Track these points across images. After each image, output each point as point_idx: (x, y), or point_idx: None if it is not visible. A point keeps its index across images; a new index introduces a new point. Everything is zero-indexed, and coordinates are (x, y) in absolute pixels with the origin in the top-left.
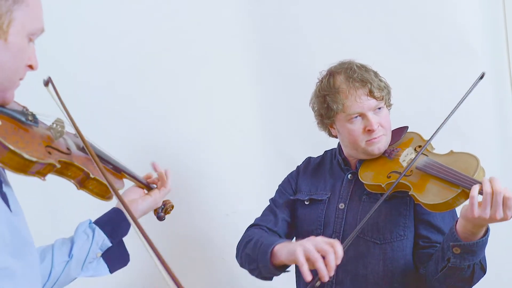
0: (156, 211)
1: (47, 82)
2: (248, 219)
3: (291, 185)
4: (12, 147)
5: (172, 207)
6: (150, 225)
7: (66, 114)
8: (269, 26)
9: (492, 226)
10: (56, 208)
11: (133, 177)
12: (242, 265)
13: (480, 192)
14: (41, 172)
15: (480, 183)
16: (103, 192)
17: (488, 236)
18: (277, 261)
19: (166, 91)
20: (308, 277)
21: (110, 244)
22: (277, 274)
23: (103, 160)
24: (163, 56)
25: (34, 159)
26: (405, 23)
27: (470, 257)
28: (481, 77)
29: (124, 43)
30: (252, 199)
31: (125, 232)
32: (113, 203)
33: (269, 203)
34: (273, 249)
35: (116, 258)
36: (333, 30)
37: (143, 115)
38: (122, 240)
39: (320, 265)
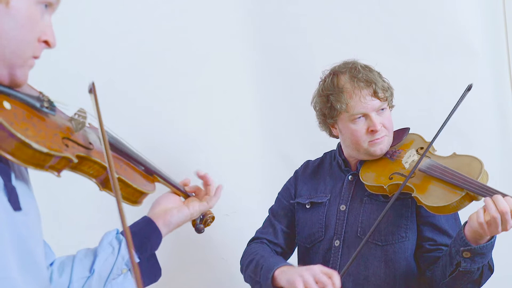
0: (194, 223)
1: (91, 89)
2: (248, 219)
3: (290, 192)
4: (19, 135)
5: (213, 218)
6: None
7: (101, 128)
8: (269, 26)
9: None
10: (58, 208)
11: (168, 182)
12: (246, 281)
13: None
14: (55, 167)
15: (484, 185)
16: (129, 196)
17: (495, 238)
18: (279, 285)
19: (166, 91)
20: None
21: (137, 260)
22: None
23: (134, 160)
24: (163, 55)
25: (45, 150)
26: (405, 23)
27: (480, 260)
28: (469, 89)
29: (124, 42)
30: (252, 199)
31: (155, 246)
32: (143, 210)
33: (268, 213)
34: (274, 274)
35: (145, 272)
36: (333, 30)
37: (143, 115)
38: (154, 254)
39: None
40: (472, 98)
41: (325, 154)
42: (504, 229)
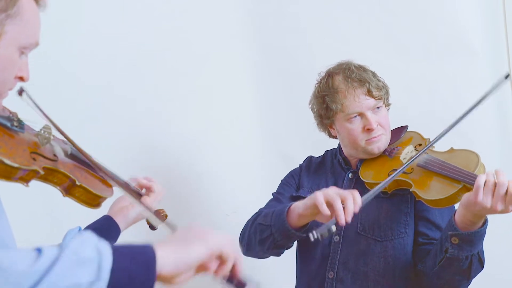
0: (148, 221)
1: (21, 91)
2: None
3: (294, 180)
4: None
5: (166, 216)
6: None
7: (49, 120)
8: (269, 25)
9: (490, 223)
10: (54, 208)
11: (121, 186)
12: (248, 246)
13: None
14: (24, 178)
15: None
16: (90, 200)
17: (486, 227)
18: (294, 219)
19: (165, 91)
20: (326, 211)
21: None
22: (293, 238)
23: (92, 168)
24: (162, 56)
25: (16, 165)
26: (405, 23)
27: (468, 248)
28: (506, 77)
29: (123, 42)
30: (252, 199)
31: (114, 240)
32: (103, 210)
33: (272, 196)
34: (290, 208)
35: None
36: (333, 30)
37: (143, 115)
38: None
39: (339, 205)
40: (472, 98)
41: (326, 152)
42: (493, 205)
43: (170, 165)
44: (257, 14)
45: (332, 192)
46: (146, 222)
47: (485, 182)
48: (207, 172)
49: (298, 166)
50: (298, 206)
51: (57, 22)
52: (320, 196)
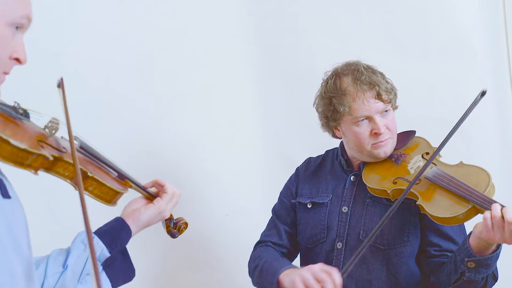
0: (168, 229)
1: (59, 84)
2: (248, 219)
3: (291, 191)
4: None
5: (186, 224)
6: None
7: (66, 118)
8: (269, 25)
9: None
10: (56, 207)
11: (137, 186)
12: (255, 286)
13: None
14: (32, 165)
15: (492, 199)
16: (104, 195)
17: (501, 248)
18: None
19: (165, 91)
20: None
21: (108, 255)
22: None
23: (109, 166)
24: (162, 56)
25: (22, 146)
26: (405, 23)
27: (485, 270)
28: (482, 94)
29: (123, 42)
30: (252, 199)
31: (124, 242)
32: (118, 210)
33: (271, 214)
34: (278, 279)
35: (119, 272)
36: (333, 30)
37: (143, 115)
38: (127, 253)
39: None
40: (471, 98)
41: (327, 151)
42: (510, 239)
43: (170, 164)
44: (257, 14)
45: (311, 277)
46: (166, 232)
47: (493, 219)
48: (207, 172)
49: (295, 170)
50: (284, 281)
51: (57, 20)
52: (299, 283)
